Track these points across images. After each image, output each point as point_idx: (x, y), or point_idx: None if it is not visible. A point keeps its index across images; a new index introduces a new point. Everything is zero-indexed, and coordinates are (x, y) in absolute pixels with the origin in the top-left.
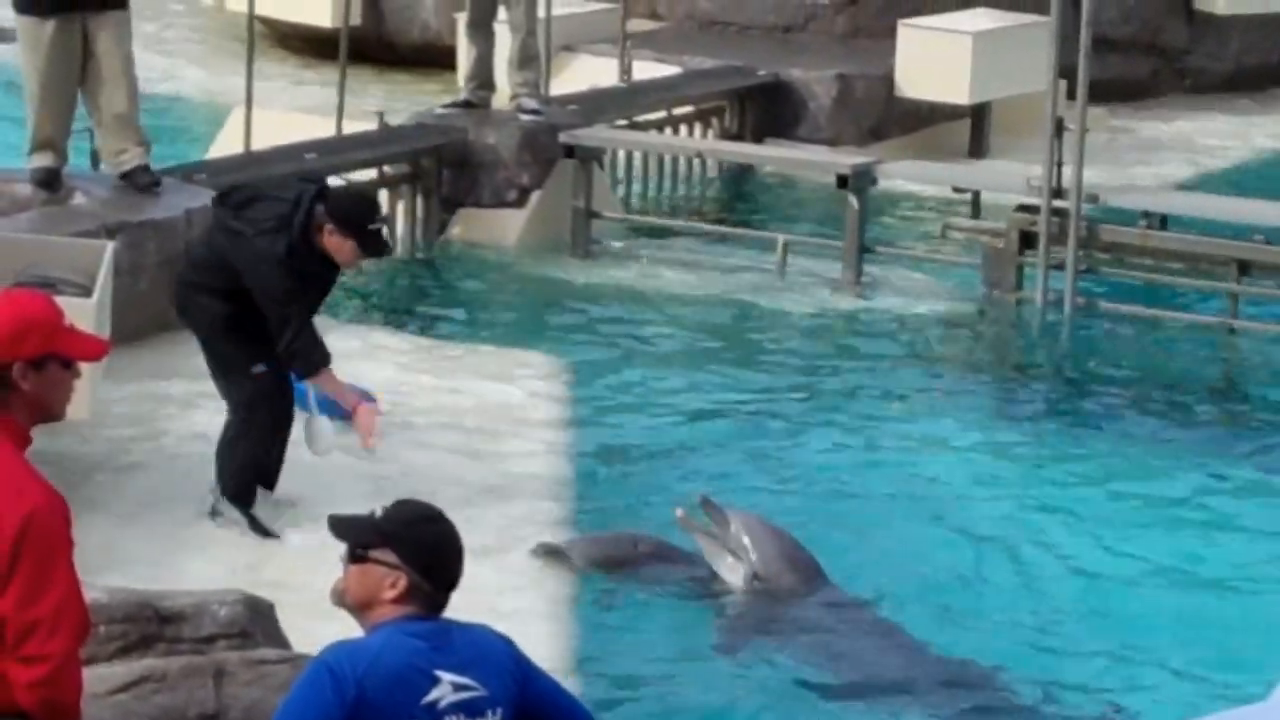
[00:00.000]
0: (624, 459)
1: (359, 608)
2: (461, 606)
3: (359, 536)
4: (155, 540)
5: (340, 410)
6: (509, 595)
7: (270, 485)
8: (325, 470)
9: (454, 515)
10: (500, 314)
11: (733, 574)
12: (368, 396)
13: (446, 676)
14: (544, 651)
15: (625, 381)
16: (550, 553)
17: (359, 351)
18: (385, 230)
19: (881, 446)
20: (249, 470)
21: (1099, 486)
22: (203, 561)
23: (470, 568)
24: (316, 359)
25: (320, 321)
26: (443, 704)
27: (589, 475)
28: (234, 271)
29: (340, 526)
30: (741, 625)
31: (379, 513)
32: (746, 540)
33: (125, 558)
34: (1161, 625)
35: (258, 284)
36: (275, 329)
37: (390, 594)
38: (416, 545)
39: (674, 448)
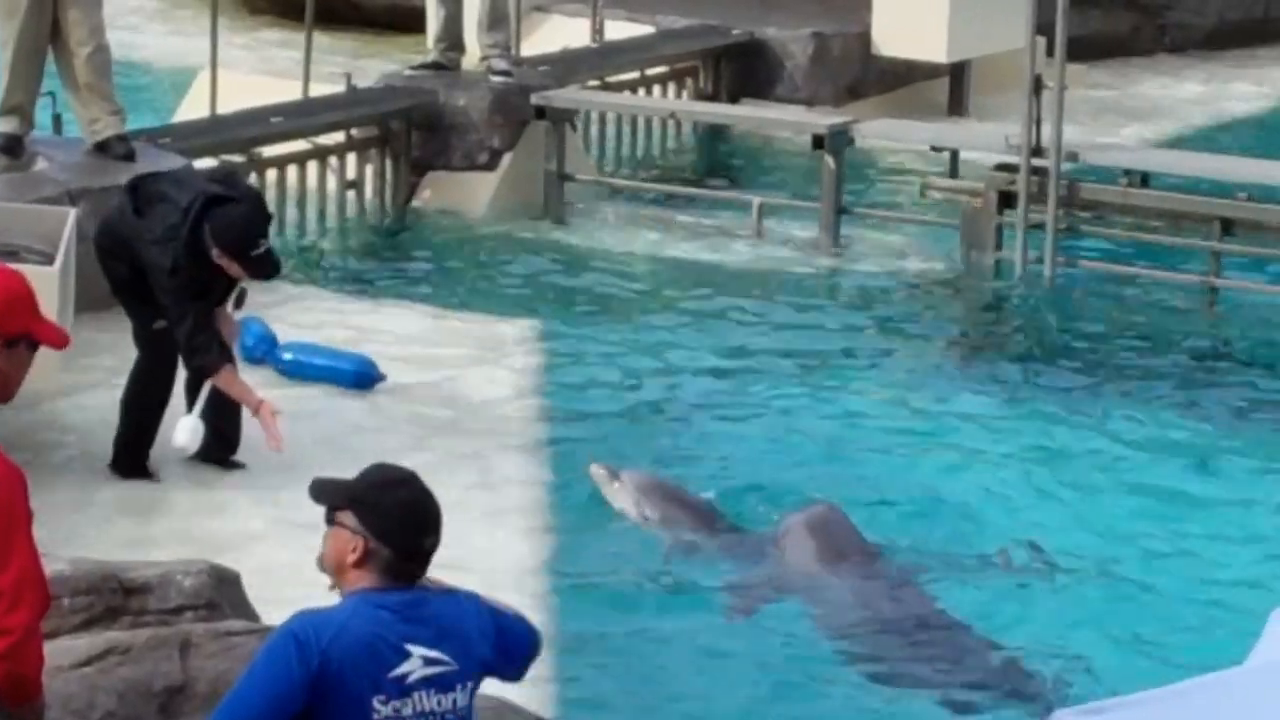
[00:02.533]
0: (597, 422)
1: (333, 573)
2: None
3: (327, 499)
4: (122, 511)
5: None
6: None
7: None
8: (288, 439)
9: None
10: (472, 279)
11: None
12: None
13: (417, 650)
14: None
15: (598, 346)
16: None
17: (329, 319)
18: (271, 249)
19: (858, 409)
20: (141, 431)
21: (1081, 446)
22: (167, 531)
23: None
24: (214, 358)
25: (287, 289)
26: (412, 678)
27: (563, 439)
28: (134, 252)
29: (315, 489)
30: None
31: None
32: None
33: (89, 529)
34: (1135, 589)
35: (153, 283)
36: (172, 326)
37: (352, 558)
38: (379, 508)
39: (647, 412)
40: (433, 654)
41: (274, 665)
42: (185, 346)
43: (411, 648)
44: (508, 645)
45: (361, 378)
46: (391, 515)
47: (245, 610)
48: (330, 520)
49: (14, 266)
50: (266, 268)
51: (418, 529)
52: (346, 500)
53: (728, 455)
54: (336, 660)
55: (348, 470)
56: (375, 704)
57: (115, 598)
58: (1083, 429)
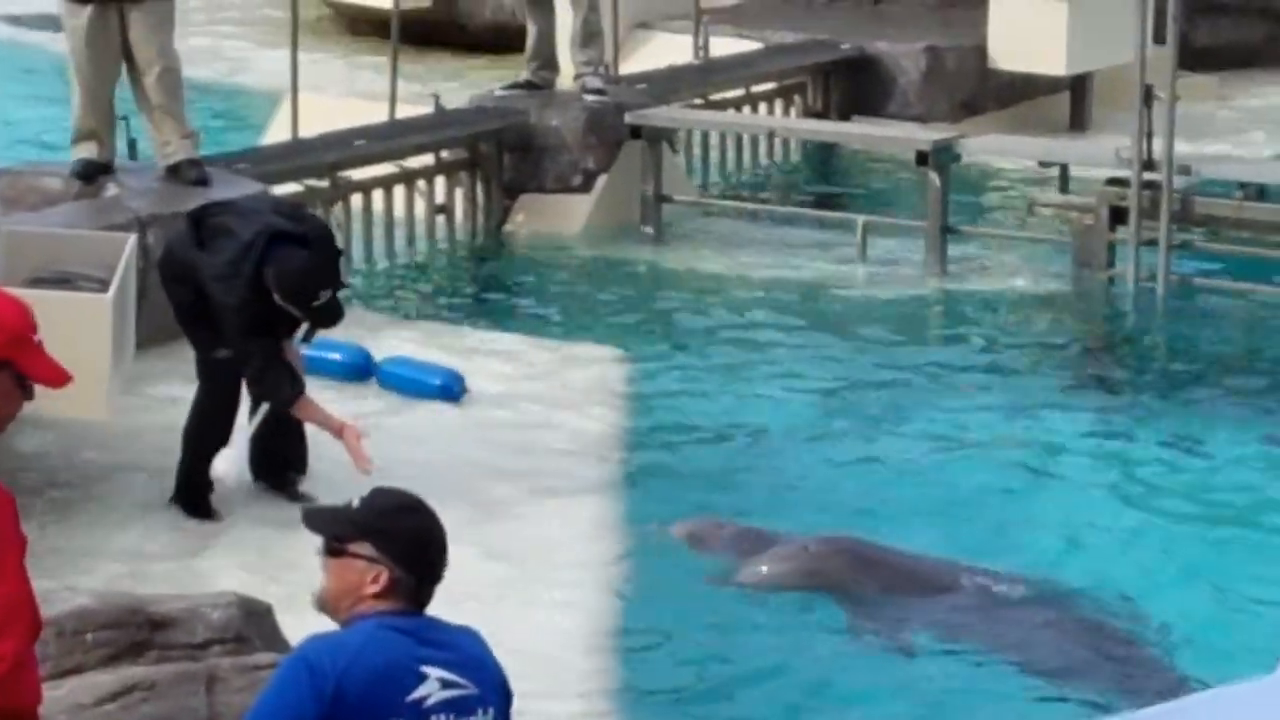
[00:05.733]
0: (688, 452)
1: (339, 606)
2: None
3: (334, 529)
4: (155, 543)
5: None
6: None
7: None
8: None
9: (503, 511)
10: (565, 304)
11: None
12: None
13: (434, 672)
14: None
15: (693, 373)
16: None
17: (416, 351)
18: (335, 297)
19: (969, 435)
20: (201, 464)
21: (1197, 471)
22: (203, 564)
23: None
24: (285, 394)
25: (379, 317)
26: (430, 701)
27: (655, 466)
28: (199, 281)
29: (315, 519)
30: None
31: (355, 503)
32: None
33: (121, 560)
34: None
35: (218, 318)
36: (240, 363)
37: (372, 589)
38: (395, 536)
39: (745, 444)
40: (450, 676)
41: (286, 693)
42: (255, 384)
43: (428, 670)
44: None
45: (446, 390)
46: (412, 542)
47: (277, 643)
48: (334, 552)
49: (62, 294)
50: (329, 318)
51: (437, 554)
52: (359, 530)
53: (826, 489)
54: (352, 685)
55: (434, 499)
56: None
57: (141, 632)
58: (1196, 455)
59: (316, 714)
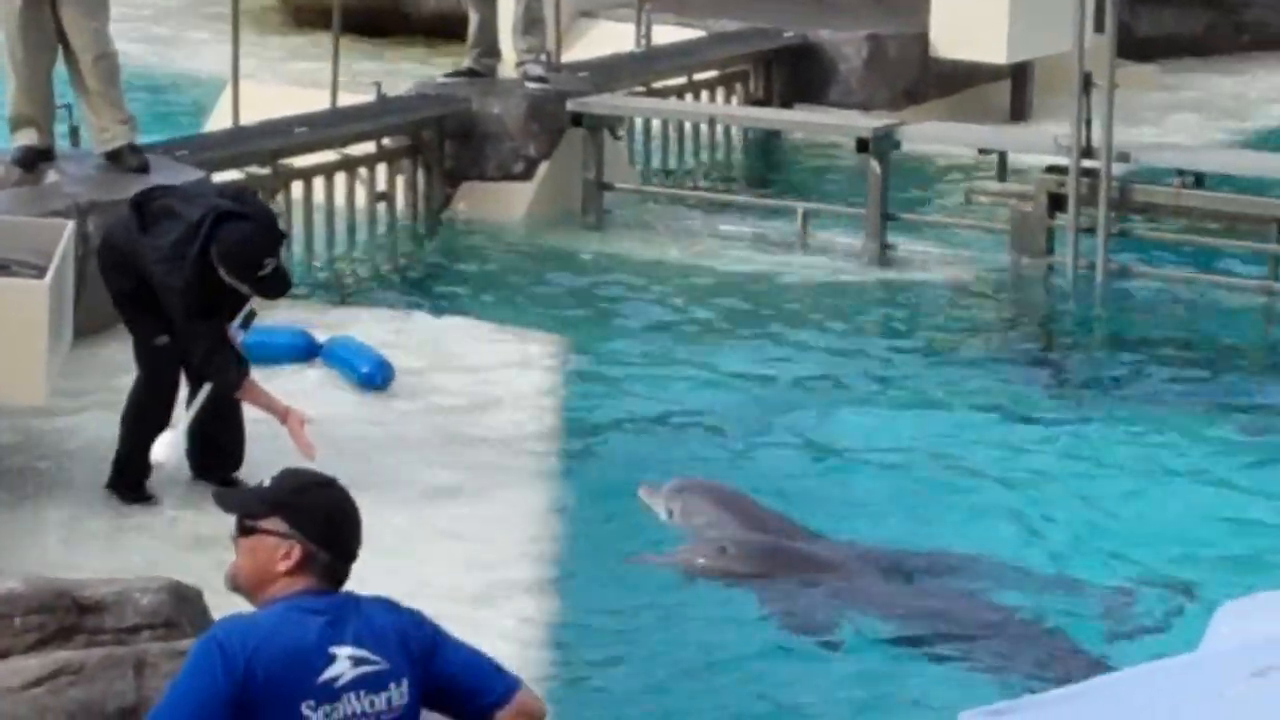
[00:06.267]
0: (625, 438)
1: (253, 586)
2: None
3: (246, 508)
4: (85, 528)
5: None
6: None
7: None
8: (293, 446)
9: (437, 497)
10: (506, 292)
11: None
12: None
13: (344, 652)
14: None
15: (632, 359)
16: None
17: (359, 333)
18: (280, 267)
19: (906, 419)
20: (138, 450)
21: (1136, 457)
22: (134, 549)
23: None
24: (233, 375)
25: (315, 303)
26: (341, 681)
27: (589, 451)
28: (140, 267)
29: (226, 499)
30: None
31: (267, 482)
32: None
33: (54, 547)
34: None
35: (164, 302)
36: (186, 345)
37: (284, 565)
38: (308, 511)
39: (682, 426)
40: (360, 653)
41: (198, 674)
42: (203, 366)
43: (337, 650)
44: (450, 670)
45: (369, 380)
46: (324, 517)
47: (208, 628)
48: (246, 530)
49: (3, 280)
50: (274, 288)
51: (351, 529)
52: (271, 507)
53: (763, 471)
54: (263, 667)
55: (363, 485)
56: (304, 710)
57: (69, 616)
58: (1136, 437)
59: (229, 694)
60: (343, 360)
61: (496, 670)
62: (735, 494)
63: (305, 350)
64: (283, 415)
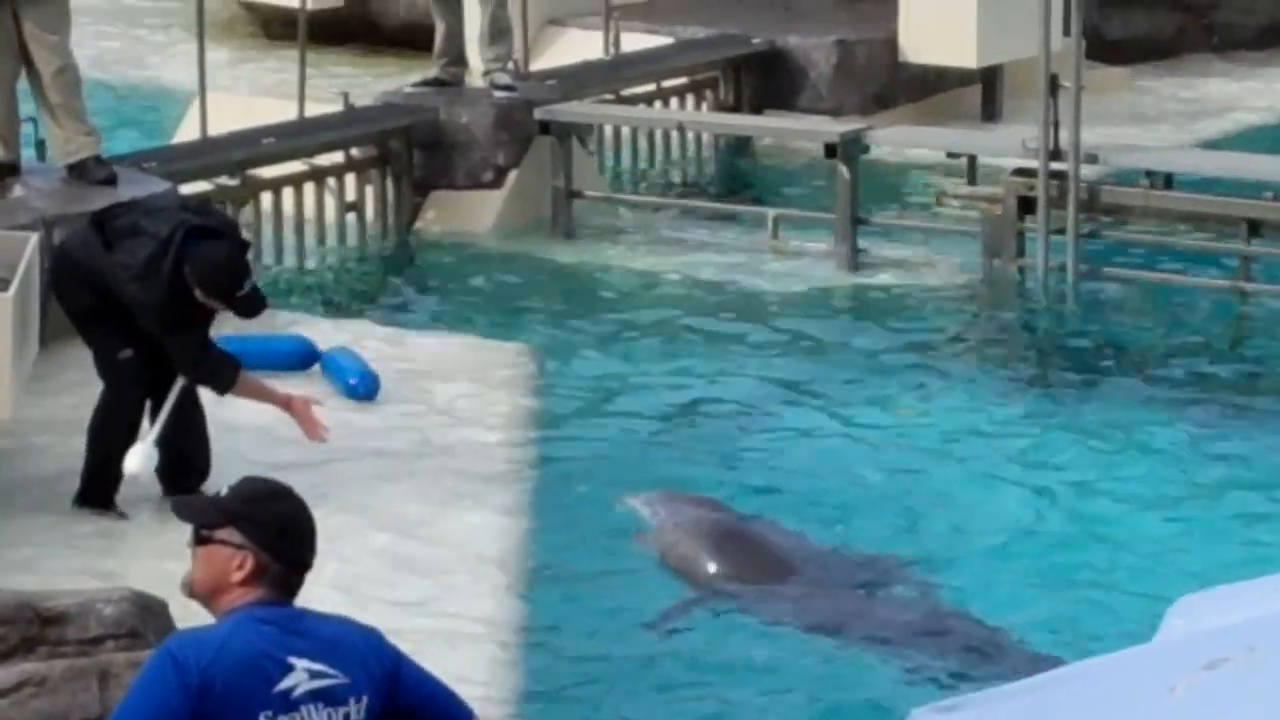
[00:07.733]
0: (599, 447)
1: (207, 594)
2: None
3: (202, 517)
4: (56, 541)
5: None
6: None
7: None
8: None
9: (409, 507)
10: (477, 301)
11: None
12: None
13: (300, 663)
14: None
15: (604, 369)
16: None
17: (325, 343)
18: (254, 289)
19: (880, 424)
20: (106, 464)
21: (1109, 457)
22: (107, 561)
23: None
24: (227, 375)
25: (286, 315)
26: (297, 692)
27: (560, 461)
28: (103, 282)
29: (184, 508)
30: None
31: (224, 492)
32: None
33: (22, 559)
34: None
35: (140, 319)
36: (174, 358)
37: (238, 575)
38: (262, 522)
39: (656, 434)
40: (318, 666)
41: (152, 688)
42: (197, 374)
43: (294, 660)
44: (409, 701)
45: (353, 391)
46: (277, 528)
47: None
48: (202, 540)
49: None
50: (253, 307)
51: (304, 541)
52: (226, 516)
53: (738, 478)
54: (218, 679)
55: (342, 498)
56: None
57: (32, 628)
58: (1110, 438)
59: (183, 707)
60: (336, 370)
61: (452, 699)
62: (714, 503)
63: (305, 357)
64: (285, 404)
